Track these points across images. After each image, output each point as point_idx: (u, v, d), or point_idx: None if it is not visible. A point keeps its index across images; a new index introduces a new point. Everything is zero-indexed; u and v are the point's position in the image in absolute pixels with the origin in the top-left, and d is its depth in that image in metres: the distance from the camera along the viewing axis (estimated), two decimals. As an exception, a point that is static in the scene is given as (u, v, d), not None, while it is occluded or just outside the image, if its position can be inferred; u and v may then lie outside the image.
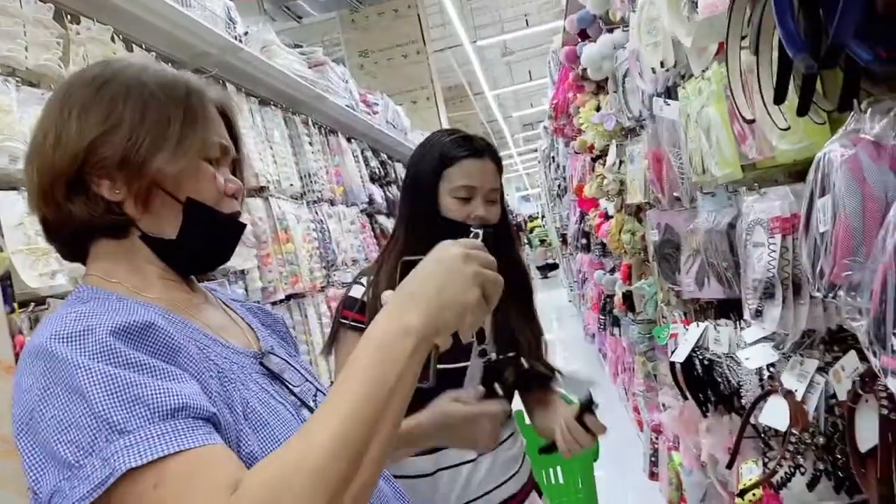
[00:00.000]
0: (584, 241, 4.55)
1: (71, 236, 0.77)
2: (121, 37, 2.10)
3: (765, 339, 1.19)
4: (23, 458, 0.61)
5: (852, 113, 0.70)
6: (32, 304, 1.61)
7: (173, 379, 0.64)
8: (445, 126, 9.39)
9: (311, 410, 0.83)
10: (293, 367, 0.86)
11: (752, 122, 0.83)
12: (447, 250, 0.69)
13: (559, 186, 7.19)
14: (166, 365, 0.65)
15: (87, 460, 0.59)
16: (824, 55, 0.63)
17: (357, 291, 1.26)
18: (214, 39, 2.57)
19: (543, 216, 14.85)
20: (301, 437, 0.61)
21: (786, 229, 0.98)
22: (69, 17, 1.89)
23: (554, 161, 7.11)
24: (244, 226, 0.83)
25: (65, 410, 0.60)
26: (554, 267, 14.87)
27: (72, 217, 0.74)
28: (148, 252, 0.77)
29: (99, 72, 0.76)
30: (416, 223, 1.24)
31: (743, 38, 0.83)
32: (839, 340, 1.03)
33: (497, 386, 1.18)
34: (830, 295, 0.68)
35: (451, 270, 0.68)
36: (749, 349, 1.21)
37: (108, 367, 0.61)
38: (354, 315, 1.22)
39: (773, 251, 0.97)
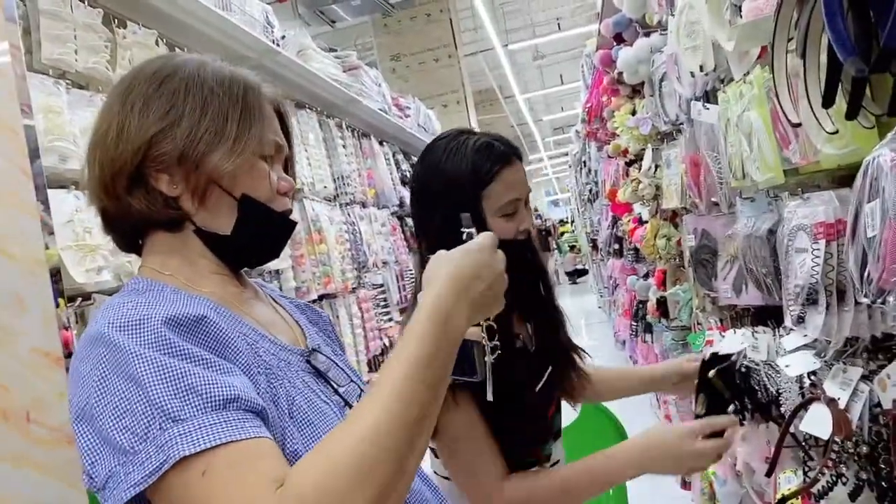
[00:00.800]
0: (616, 246, 4.52)
1: (129, 228, 0.79)
2: (164, 40, 2.15)
3: (805, 346, 1.17)
4: (79, 442, 0.63)
5: (902, 117, 0.69)
6: (80, 299, 1.67)
7: (225, 372, 0.66)
8: (475, 127, 9.39)
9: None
10: (338, 366, 0.87)
11: (798, 125, 0.82)
12: (484, 243, 0.73)
13: (590, 191, 7.13)
14: (217, 358, 0.67)
15: (141, 447, 0.60)
16: (875, 60, 0.62)
17: None
18: (253, 43, 2.63)
19: (573, 221, 14.75)
20: (345, 426, 0.62)
21: (830, 234, 0.96)
22: (116, 21, 1.95)
23: (585, 165, 7.06)
24: (295, 223, 0.85)
25: (121, 398, 0.62)
26: (583, 273, 14.75)
27: (131, 210, 0.76)
28: (201, 246, 0.79)
29: (160, 66, 0.78)
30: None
31: (789, 40, 0.82)
32: (884, 349, 1.01)
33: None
34: (879, 301, 0.67)
35: (486, 264, 0.71)
36: (789, 356, 1.19)
37: (164, 356, 0.63)
38: None
39: (817, 257, 0.96)
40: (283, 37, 3.06)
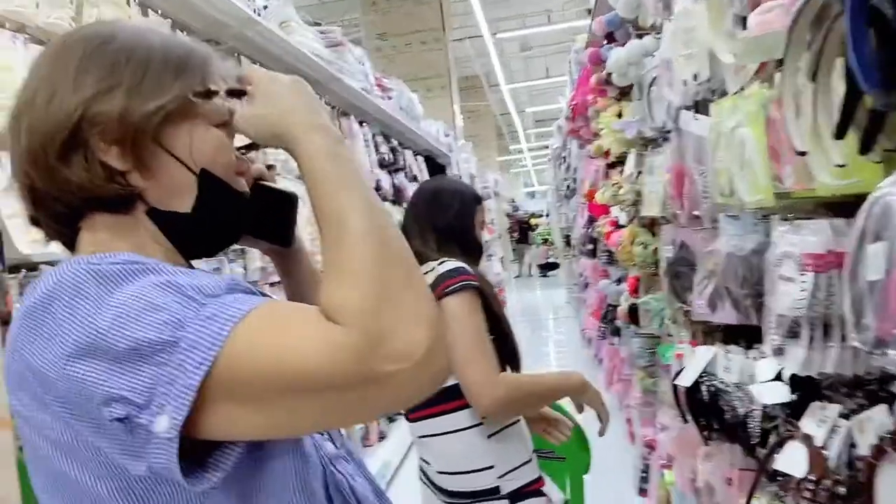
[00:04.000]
0: (590, 246, 4.50)
1: (64, 209, 0.67)
2: (136, 0, 2.04)
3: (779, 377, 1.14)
4: (84, 380, 0.55)
5: (914, 154, 0.64)
6: (24, 270, 1.57)
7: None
8: (458, 114, 9.30)
9: None
10: None
11: (803, 154, 0.78)
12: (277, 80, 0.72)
13: (568, 187, 7.12)
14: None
15: (182, 332, 0.55)
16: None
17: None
18: (233, 11, 2.51)
19: (548, 214, 14.78)
20: (337, 249, 0.61)
21: (820, 267, 0.92)
22: (85, -25, 1.82)
23: (565, 161, 7.04)
24: (252, 208, 0.77)
25: (131, 307, 0.56)
26: (554, 266, 14.83)
27: (68, 184, 0.65)
28: (154, 229, 0.69)
29: (96, 30, 0.70)
30: (448, 237, 1.60)
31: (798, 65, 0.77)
32: (864, 386, 0.98)
33: None
34: (877, 352, 0.63)
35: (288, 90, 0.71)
36: (762, 385, 1.16)
37: (154, 281, 0.59)
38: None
39: (804, 290, 0.92)
40: (266, 7, 2.94)
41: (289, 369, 0.56)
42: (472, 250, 1.64)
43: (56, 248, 1.59)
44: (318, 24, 3.80)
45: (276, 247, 0.90)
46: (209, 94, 0.70)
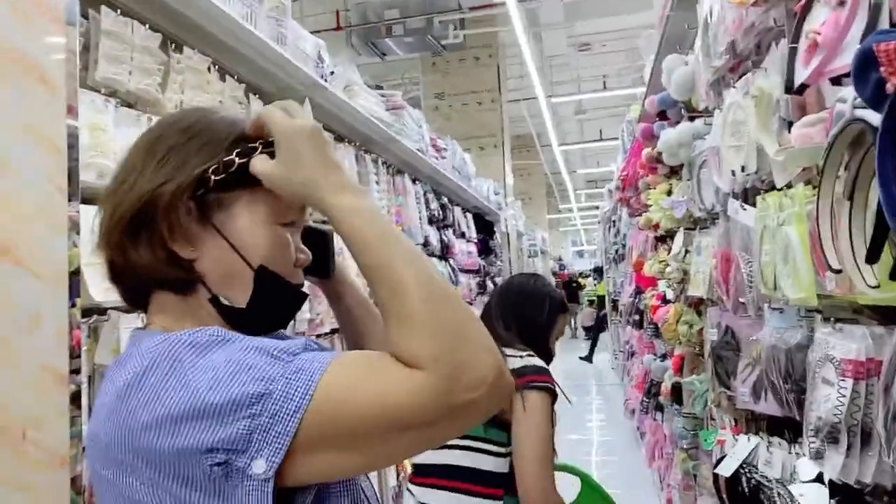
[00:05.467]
0: (636, 317, 4.45)
1: (135, 283, 0.75)
2: (216, 67, 2.20)
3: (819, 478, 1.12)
4: (185, 443, 0.61)
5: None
6: (95, 315, 1.67)
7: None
8: (509, 172, 9.42)
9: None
10: None
11: (838, 272, 0.80)
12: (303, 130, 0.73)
13: (616, 251, 7.09)
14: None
15: (274, 385, 0.62)
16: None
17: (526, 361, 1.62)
18: (303, 77, 2.68)
19: (598, 271, 14.60)
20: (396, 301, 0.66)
21: (859, 374, 0.93)
22: (173, 45, 2.00)
23: (615, 225, 7.03)
24: (306, 296, 0.83)
25: (226, 369, 0.63)
26: (601, 328, 14.54)
27: (135, 263, 0.72)
28: (213, 312, 0.74)
29: (194, 122, 0.76)
30: (529, 336, 1.70)
31: (836, 178, 0.80)
32: (905, 498, 0.96)
33: None
34: (907, 475, 0.64)
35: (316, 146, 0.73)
36: (803, 486, 1.14)
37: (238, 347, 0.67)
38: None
39: (843, 395, 0.92)
40: (332, 72, 3.11)
41: (383, 411, 0.62)
42: (545, 354, 1.71)
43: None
44: (381, 88, 3.98)
45: (318, 279, 1.01)
46: (226, 167, 0.72)
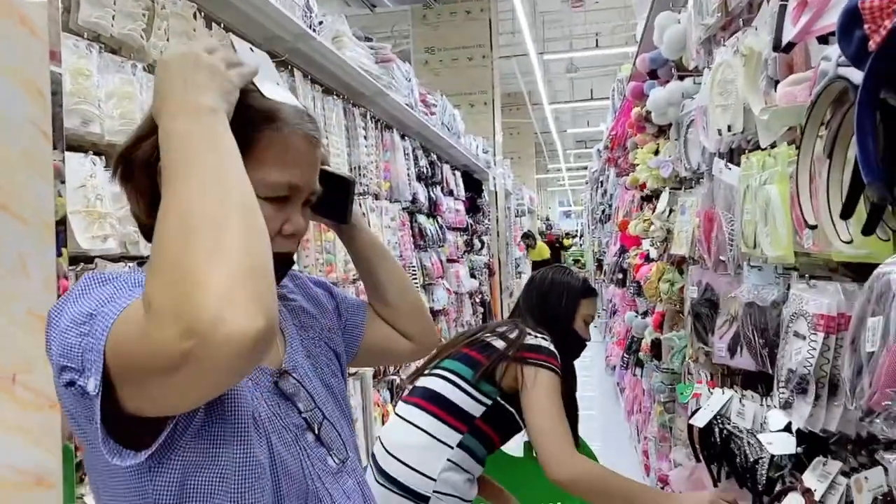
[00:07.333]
0: (620, 275, 4.51)
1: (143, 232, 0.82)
2: (202, 13, 2.15)
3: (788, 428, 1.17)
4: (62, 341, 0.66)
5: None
6: (81, 263, 1.67)
7: None
8: (499, 131, 9.37)
9: (314, 434, 0.85)
10: (306, 389, 0.87)
11: (814, 227, 0.82)
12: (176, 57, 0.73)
13: (603, 212, 7.12)
14: None
15: (104, 308, 0.67)
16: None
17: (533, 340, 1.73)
18: (290, 26, 2.62)
19: (581, 235, 14.69)
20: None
21: (830, 328, 0.96)
22: (157, -11, 1.94)
23: (602, 185, 7.05)
24: (292, 263, 0.85)
25: (94, 298, 0.69)
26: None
27: (134, 213, 0.82)
28: None
29: None
30: (550, 326, 1.80)
31: (818, 136, 0.82)
32: (867, 444, 1.01)
33: None
34: (867, 420, 0.67)
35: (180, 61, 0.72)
36: (772, 434, 1.19)
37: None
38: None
39: (813, 348, 0.96)
40: (321, 22, 3.05)
41: (131, 359, 0.63)
42: (570, 343, 1.83)
43: (112, 244, 1.70)
44: (370, 40, 3.91)
45: (334, 222, 1.04)
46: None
